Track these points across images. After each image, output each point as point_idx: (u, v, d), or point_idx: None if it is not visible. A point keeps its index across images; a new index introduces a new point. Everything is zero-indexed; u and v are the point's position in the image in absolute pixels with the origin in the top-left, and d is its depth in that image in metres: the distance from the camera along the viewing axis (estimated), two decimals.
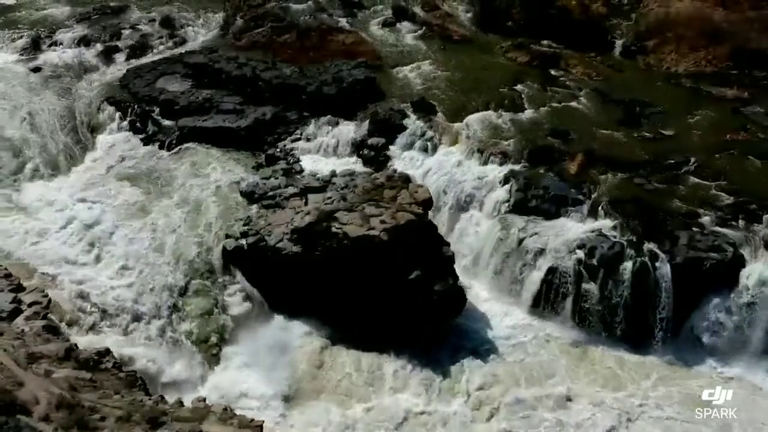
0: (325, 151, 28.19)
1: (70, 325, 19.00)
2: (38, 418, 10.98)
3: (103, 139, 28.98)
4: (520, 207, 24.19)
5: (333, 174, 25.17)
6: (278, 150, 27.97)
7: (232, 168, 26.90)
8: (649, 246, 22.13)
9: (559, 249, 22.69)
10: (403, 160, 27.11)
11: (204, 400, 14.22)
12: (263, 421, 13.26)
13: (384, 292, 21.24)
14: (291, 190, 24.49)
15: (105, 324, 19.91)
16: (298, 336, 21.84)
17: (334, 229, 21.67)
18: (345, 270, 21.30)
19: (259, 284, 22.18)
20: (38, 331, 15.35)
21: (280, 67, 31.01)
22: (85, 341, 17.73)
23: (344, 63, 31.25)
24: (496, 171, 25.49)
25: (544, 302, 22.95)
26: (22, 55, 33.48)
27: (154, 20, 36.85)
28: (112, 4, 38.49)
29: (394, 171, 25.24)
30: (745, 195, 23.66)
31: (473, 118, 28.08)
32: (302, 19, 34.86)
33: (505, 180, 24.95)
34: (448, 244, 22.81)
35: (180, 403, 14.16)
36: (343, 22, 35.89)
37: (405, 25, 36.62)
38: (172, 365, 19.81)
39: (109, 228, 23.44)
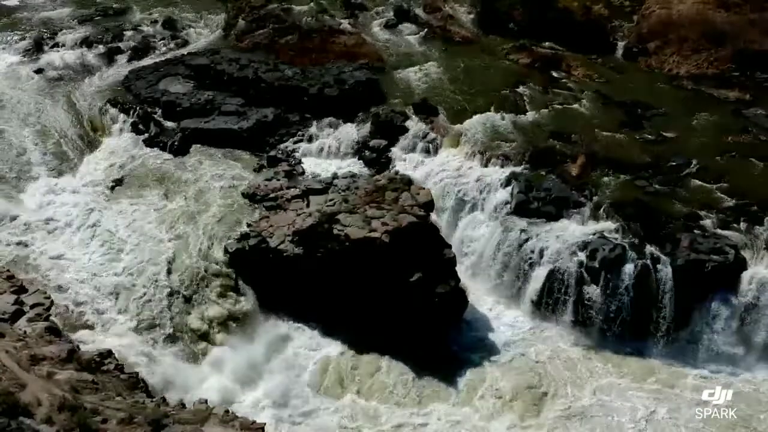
0: (326, 153, 28.22)
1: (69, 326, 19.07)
2: (40, 420, 11.03)
3: (105, 141, 29.04)
4: (521, 209, 24.18)
5: (335, 176, 25.21)
6: (280, 151, 28.02)
7: (234, 169, 26.92)
8: (650, 248, 22.15)
9: (561, 251, 22.71)
10: (405, 161, 27.15)
11: (205, 402, 14.28)
12: (264, 424, 13.32)
13: (385, 294, 21.26)
14: (293, 191, 24.51)
15: (104, 325, 19.97)
16: (298, 338, 21.91)
17: (335, 231, 21.71)
18: (346, 272, 21.35)
19: (260, 286, 22.17)
20: (40, 333, 15.40)
21: (282, 69, 31.02)
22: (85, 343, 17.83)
23: (346, 65, 31.33)
24: (497, 173, 25.51)
25: (546, 304, 22.98)
26: (24, 56, 33.48)
27: (156, 22, 36.90)
28: (114, 5, 38.56)
29: (396, 173, 25.30)
30: (746, 197, 23.66)
31: (475, 120, 28.07)
32: (304, 21, 34.90)
33: (507, 182, 24.96)
34: (450, 246, 22.82)
35: (182, 405, 14.22)
36: (344, 23, 35.87)
37: (407, 27, 36.62)
38: (173, 368, 19.80)
39: (111, 229, 23.55)
